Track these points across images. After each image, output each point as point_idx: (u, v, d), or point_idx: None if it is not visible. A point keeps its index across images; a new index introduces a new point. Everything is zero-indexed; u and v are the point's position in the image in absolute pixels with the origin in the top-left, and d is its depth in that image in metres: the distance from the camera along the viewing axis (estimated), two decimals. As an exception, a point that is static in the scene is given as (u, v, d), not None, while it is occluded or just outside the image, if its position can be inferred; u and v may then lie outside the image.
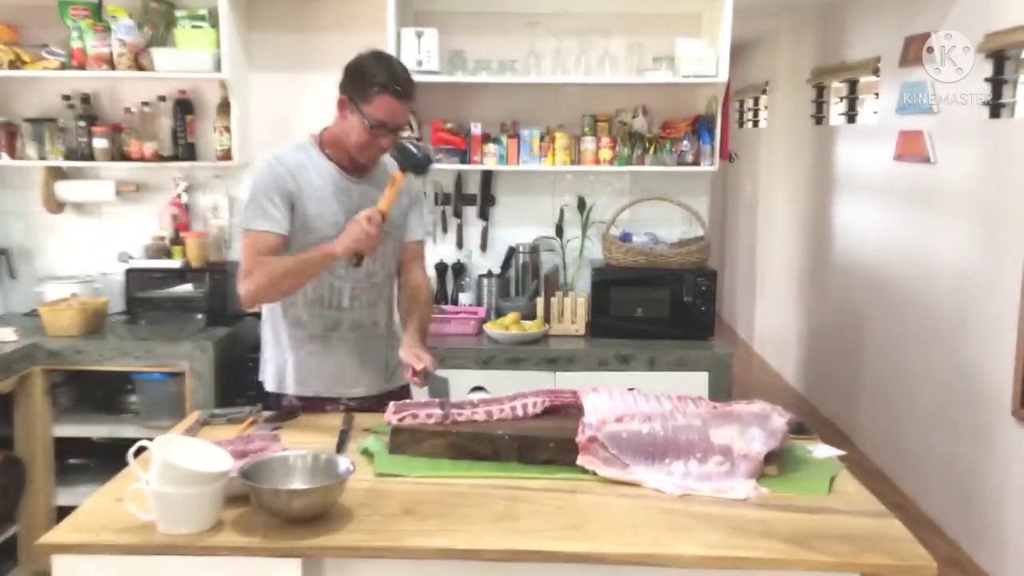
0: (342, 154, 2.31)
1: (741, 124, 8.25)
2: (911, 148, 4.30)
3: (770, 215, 7.17)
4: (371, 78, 2.19)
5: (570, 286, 3.82)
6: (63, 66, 3.57)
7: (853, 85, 5.37)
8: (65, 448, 3.48)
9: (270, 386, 2.44)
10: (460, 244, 3.91)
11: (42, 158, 3.67)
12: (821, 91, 5.88)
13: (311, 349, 2.38)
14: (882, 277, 4.76)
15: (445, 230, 3.92)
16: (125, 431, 3.40)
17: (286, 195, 2.25)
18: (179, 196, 3.80)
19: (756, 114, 7.89)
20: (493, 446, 1.97)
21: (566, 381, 3.22)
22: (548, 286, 3.61)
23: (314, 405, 2.40)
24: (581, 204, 3.80)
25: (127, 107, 3.72)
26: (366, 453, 2.01)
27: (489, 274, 3.82)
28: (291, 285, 2.26)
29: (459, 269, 3.88)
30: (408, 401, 2.11)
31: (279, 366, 2.42)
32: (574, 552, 1.58)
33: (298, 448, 1.91)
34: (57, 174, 3.77)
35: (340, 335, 2.39)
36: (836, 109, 5.70)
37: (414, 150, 2.26)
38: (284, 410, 2.36)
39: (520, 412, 2.08)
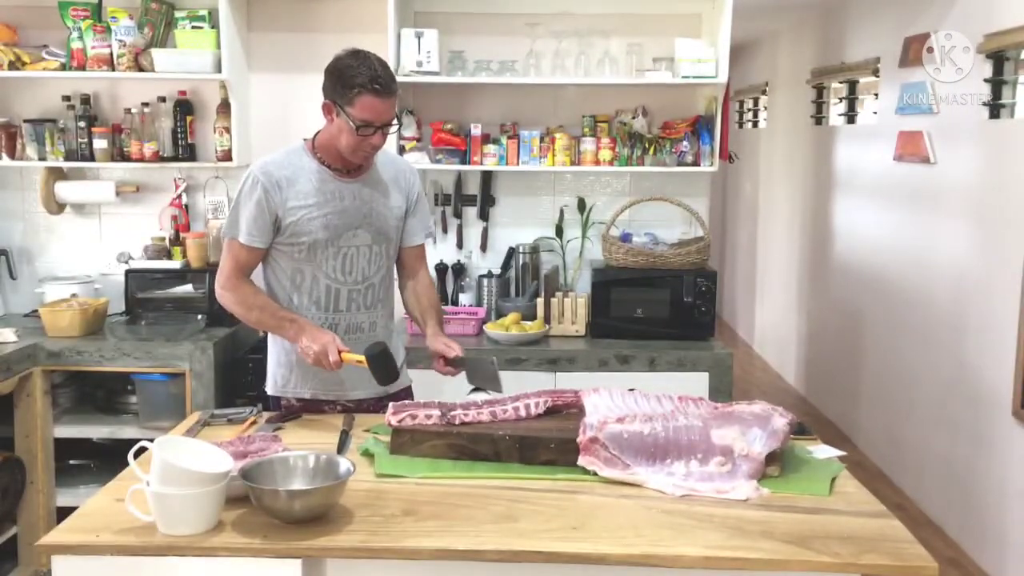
0: (334, 156, 2.31)
1: (741, 125, 8.25)
2: (911, 148, 4.30)
3: (770, 215, 7.17)
4: (350, 79, 2.17)
5: (570, 287, 3.82)
6: (63, 67, 3.57)
7: (853, 86, 5.37)
8: (65, 449, 3.48)
9: (270, 389, 2.45)
10: (460, 245, 3.91)
11: (42, 159, 3.67)
12: (821, 91, 5.88)
13: None
14: (882, 277, 4.76)
15: (445, 231, 3.92)
16: (125, 432, 3.40)
17: (269, 210, 2.28)
18: (179, 197, 3.79)
19: (756, 115, 7.89)
20: (494, 447, 1.97)
21: (566, 381, 3.22)
22: (548, 287, 3.61)
23: (312, 407, 2.40)
24: (581, 204, 3.80)
25: (127, 108, 3.72)
26: (367, 454, 2.01)
27: (489, 274, 3.82)
28: (256, 327, 2.52)
29: (459, 270, 3.88)
30: (408, 402, 2.11)
31: (279, 367, 2.43)
32: (575, 553, 1.58)
33: (299, 449, 1.91)
34: (57, 175, 3.77)
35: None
36: (836, 109, 5.71)
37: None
38: (285, 411, 2.36)
39: (523, 413, 2.08)
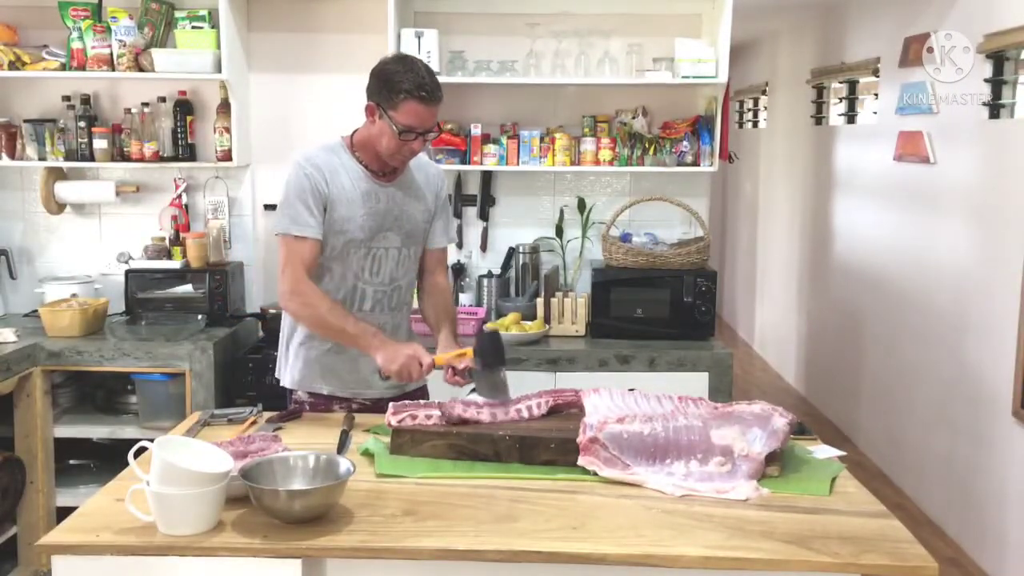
0: (372, 157, 2.32)
1: (741, 125, 8.25)
2: (911, 148, 4.30)
3: (770, 215, 7.18)
4: (397, 84, 2.18)
5: (570, 287, 3.82)
6: (63, 67, 3.56)
7: (853, 86, 5.37)
8: (65, 449, 3.49)
9: (286, 382, 2.45)
10: (460, 244, 3.91)
11: (42, 159, 3.67)
12: (821, 91, 5.88)
13: (330, 348, 2.38)
14: (882, 277, 4.76)
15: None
16: (125, 432, 3.40)
17: (319, 198, 2.26)
18: (179, 197, 3.79)
19: (756, 115, 7.89)
20: (494, 447, 1.97)
21: (566, 381, 3.21)
22: (548, 287, 3.61)
23: (327, 403, 2.41)
24: (581, 205, 3.80)
25: (127, 108, 3.72)
26: (367, 454, 2.01)
27: (489, 275, 3.81)
28: (324, 335, 2.34)
29: (459, 270, 3.88)
30: (407, 402, 2.11)
31: (298, 363, 2.42)
32: (575, 553, 1.58)
33: (299, 449, 1.91)
34: (57, 175, 3.77)
35: None
36: (836, 110, 5.71)
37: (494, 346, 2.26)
38: (286, 411, 2.36)
39: (525, 414, 2.08)
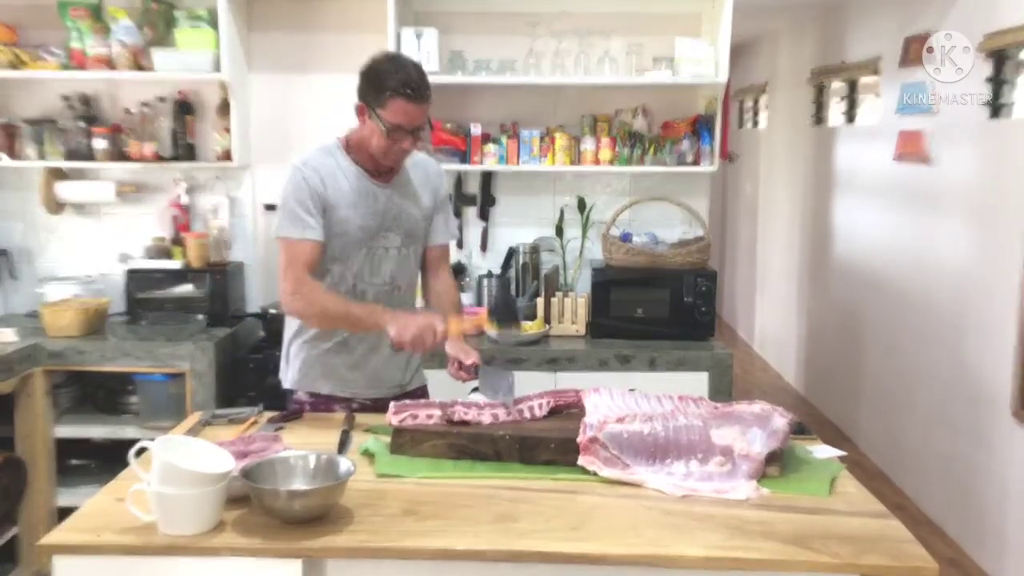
0: (367, 157, 2.31)
1: (741, 124, 8.25)
2: (911, 148, 4.30)
3: (770, 215, 7.18)
4: (384, 83, 2.18)
5: (570, 286, 3.82)
6: (63, 67, 3.57)
7: (853, 85, 5.37)
8: (66, 449, 3.49)
9: (287, 382, 2.45)
10: (460, 244, 3.91)
11: (42, 159, 3.67)
12: (821, 91, 5.88)
13: (330, 348, 2.38)
14: (882, 277, 4.76)
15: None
16: (126, 432, 3.40)
17: (318, 200, 2.26)
18: (179, 197, 3.79)
19: (756, 114, 7.89)
20: (494, 447, 1.97)
21: (566, 381, 3.21)
22: (548, 286, 3.61)
23: (327, 403, 2.41)
24: (581, 204, 3.80)
25: (127, 108, 3.72)
26: (367, 454, 2.01)
27: (489, 274, 3.81)
28: (334, 327, 2.34)
29: (459, 269, 3.87)
30: (408, 402, 2.11)
31: (297, 363, 2.42)
32: (575, 553, 1.58)
33: (299, 449, 1.91)
34: (57, 175, 3.77)
35: (360, 336, 2.39)
36: (836, 109, 5.70)
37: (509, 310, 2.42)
38: (287, 411, 2.36)
39: (527, 415, 2.08)
